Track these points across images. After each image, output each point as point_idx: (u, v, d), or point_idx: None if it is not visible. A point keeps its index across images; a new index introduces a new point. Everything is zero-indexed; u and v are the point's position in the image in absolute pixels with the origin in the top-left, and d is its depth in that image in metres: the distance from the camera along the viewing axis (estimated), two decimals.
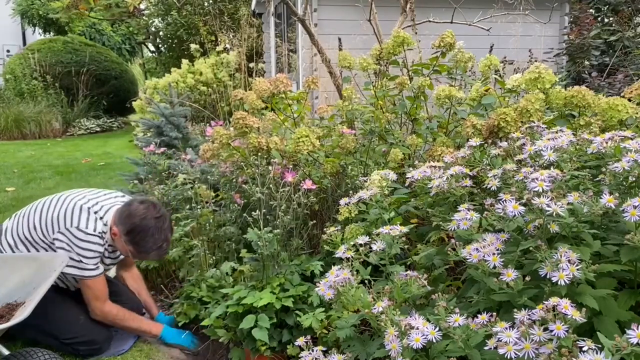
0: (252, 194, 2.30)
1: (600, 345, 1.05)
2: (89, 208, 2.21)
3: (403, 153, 2.36)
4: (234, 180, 2.70)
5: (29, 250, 2.24)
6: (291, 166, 2.47)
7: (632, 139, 1.49)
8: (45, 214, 2.24)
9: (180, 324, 2.40)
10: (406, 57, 2.73)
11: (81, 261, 2.15)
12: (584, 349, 1.04)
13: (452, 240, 1.47)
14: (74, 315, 2.30)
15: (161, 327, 2.35)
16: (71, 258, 2.15)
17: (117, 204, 2.27)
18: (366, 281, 1.58)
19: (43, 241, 2.21)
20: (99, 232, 2.18)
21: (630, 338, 1.02)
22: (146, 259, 2.27)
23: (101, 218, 2.20)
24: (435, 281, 1.76)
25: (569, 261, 1.23)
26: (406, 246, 1.88)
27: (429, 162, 1.87)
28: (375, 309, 1.36)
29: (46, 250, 2.23)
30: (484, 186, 1.64)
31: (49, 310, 2.17)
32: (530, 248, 1.33)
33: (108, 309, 2.27)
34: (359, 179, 2.24)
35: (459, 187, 1.65)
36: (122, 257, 2.40)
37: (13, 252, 2.26)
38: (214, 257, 2.56)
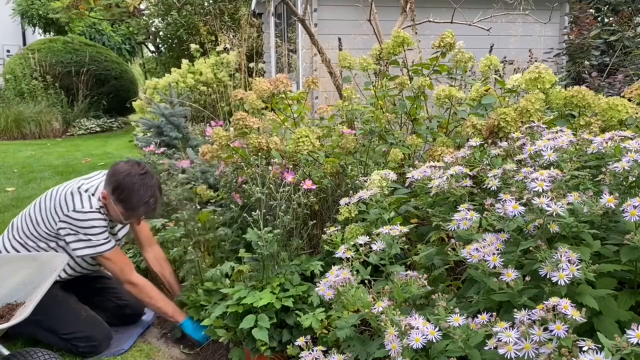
0: (252, 194, 2.30)
1: (600, 345, 1.05)
2: (78, 188, 2.26)
3: (403, 153, 2.36)
4: (234, 180, 2.70)
5: (39, 246, 2.29)
6: (291, 166, 2.47)
7: (632, 139, 1.49)
8: (44, 208, 2.29)
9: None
10: (406, 57, 2.73)
11: (90, 239, 2.20)
12: (584, 349, 1.04)
13: (452, 240, 1.47)
14: (76, 311, 2.32)
15: (185, 316, 2.34)
16: (80, 240, 2.21)
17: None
18: (366, 281, 1.58)
19: (49, 234, 2.27)
20: (96, 208, 2.22)
21: (630, 338, 1.02)
22: (136, 216, 2.26)
23: (93, 195, 2.26)
24: (435, 281, 1.76)
25: (569, 261, 1.23)
26: (406, 246, 1.88)
27: (429, 162, 1.87)
28: (375, 309, 1.36)
29: (56, 243, 2.26)
30: (484, 186, 1.64)
31: (50, 306, 2.18)
32: (530, 248, 1.33)
33: (135, 279, 2.32)
34: (359, 179, 2.24)
35: (459, 187, 1.65)
36: (122, 233, 2.42)
37: (27, 250, 2.29)
38: (212, 257, 2.55)
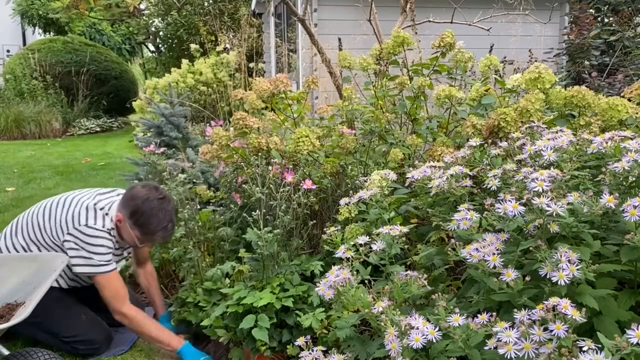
0: (252, 194, 2.30)
1: (600, 345, 1.05)
2: (95, 205, 2.23)
3: (403, 153, 2.36)
4: (234, 180, 2.70)
5: (40, 252, 2.25)
6: (291, 166, 2.47)
7: (632, 139, 1.49)
8: (54, 216, 2.25)
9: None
10: (406, 57, 2.73)
11: (92, 258, 2.16)
12: (584, 349, 1.04)
13: (452, 240, 1.47)
14: (75, 313, 2.30)
15: (182, 342, 2.20)
16: (81, 257, 2.16)
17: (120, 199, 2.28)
18: (366, 281, 1.58)
19: (54, 243, 2.23)
20: (108, 229, 2.19)
21: (630, 338, 1.02)
22: (152, 241, 2.25)
23: (107, 214, 2.22)
24: (435, 281, 1.76)
25: (569, 261, 1.23)
26: (406, 246, 1.88)
27: (429, 162, 1.87)
28: (375, 309, 1.36)
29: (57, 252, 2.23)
30: (484, 186, 1.64)
31: (49, 309, 2.17)
32: (530, 248, 1.33)
33: (127, 310, 2.22)
34: (359, 179, 2.24)
35: (459, 187, 1.65)
36: (126, 254, 2.41)
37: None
38: (212, 257, 2.55)
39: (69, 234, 2.17)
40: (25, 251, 2.28)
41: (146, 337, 2.27)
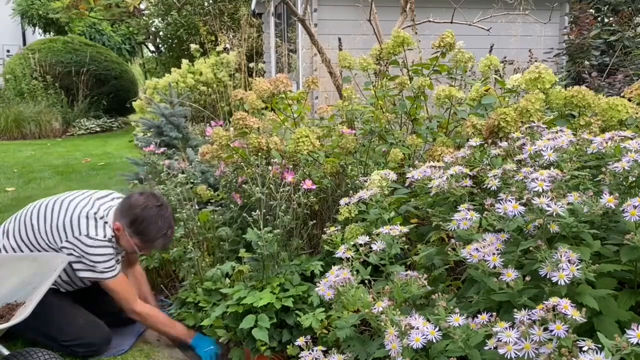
0: (252, 194, 2.30)
1: (600, 345, 1.05)
2: (95, 214, 2.21)
3: (403, 153, 2.36)
4: (234, 180, 2.70)
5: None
6: (291, 166, 2.47)
7: (632, 139, 1.49)
8: (49, 219, 2.23)
9: None
10: (406, 57, 2.73)
11: (95, 266, 2.17)
12: (584, 349, 1.04)
13: (452, 240, 1.47)
14: (72, 317, 2.29)
15: (194, 334, 2.29)
16: (83, 263, 2.16)
17: (116, 205, 2.28)
18: (366, 281, 1.58)
19: (49, 246, 2.21)
20: (108, 238, 2.19)
21: (630, 338, 1.02)
22: (152, 248, 2.27)
23: (106, 222, 2.22)
24: (435, 281, 1.76)
25: (569, 261, 1.23)
26: (406, 246, 1.88)
27: (429, 162, 1.87)
28: (375, 309, 1.36)
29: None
30: (484, 186, 1.64)
31: (47, 313, 2.17)
32: (530, 248, 1.33)
33: (140, 309, 2.27)
34: (359, 179, 2.24)
35: (459, 187, 1.65)
36: (119, 257, 2.39)
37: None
38: (212, 257, 2.55)
39: (67, 241, 2.16)
40: (16, 252, 2.26)
41: (161, 332, 2.36)
